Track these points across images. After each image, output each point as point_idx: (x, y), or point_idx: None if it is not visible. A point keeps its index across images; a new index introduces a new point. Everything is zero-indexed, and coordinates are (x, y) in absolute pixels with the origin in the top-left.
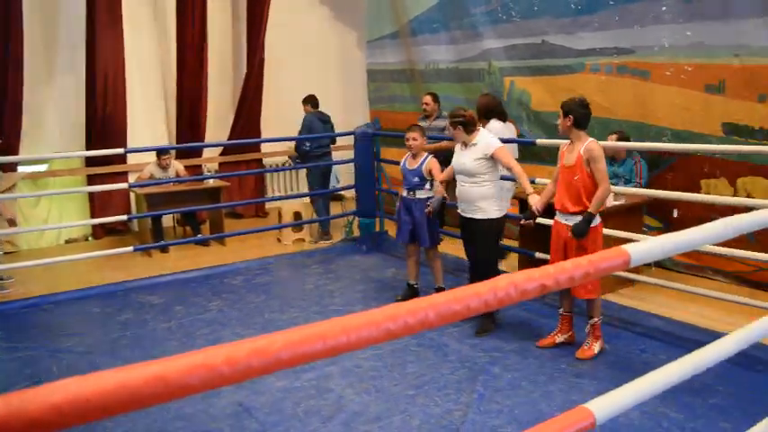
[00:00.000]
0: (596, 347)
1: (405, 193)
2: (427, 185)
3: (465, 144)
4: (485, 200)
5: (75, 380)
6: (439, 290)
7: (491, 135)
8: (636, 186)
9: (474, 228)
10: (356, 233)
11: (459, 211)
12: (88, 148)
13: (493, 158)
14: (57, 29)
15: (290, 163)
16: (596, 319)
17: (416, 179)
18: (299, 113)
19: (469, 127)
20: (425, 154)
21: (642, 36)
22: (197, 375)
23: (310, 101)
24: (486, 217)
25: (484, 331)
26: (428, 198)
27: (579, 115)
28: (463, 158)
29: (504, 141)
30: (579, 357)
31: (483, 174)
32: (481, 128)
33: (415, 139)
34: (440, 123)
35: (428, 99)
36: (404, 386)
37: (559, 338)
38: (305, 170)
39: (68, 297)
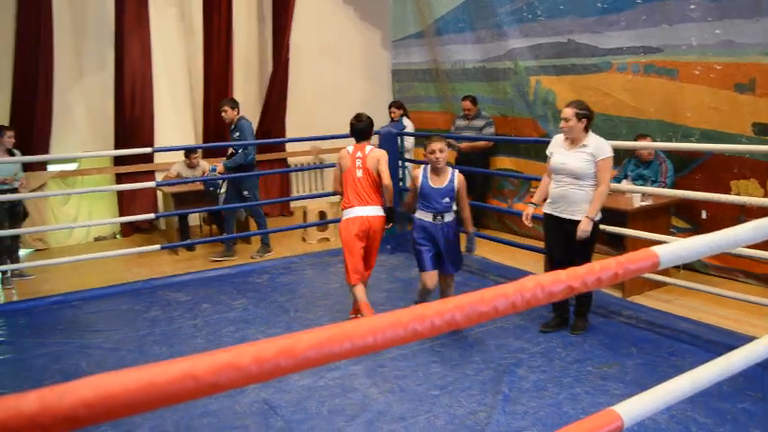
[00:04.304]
0: None
1: (429, 218)
2: (453, 206)
3: (573, 143)
4: (588, 203)
5: (105, 376)
6: None
7: (604, 140)
8: (660, 186)
9: (573, 231)
10: None
11: (550, 211)
12: (116, 147)
13: (596, 163)
14: (86, 29)
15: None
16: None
17: (447, 200)
18: (323, 113)
19: (589, 124)
20: (450, 169)
21: (670, 35)
22: (225, 374)
23: (237, 104)
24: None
25: (579, 329)
26: (454, 220)
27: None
28: (569, 159)
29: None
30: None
31: (590, 178)
32: (590, 131)
33: (441, 151)
34: (478, 123)
35: (468, 104)
36: (428, 386)
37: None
38: (225, 185)
39: (97, 294)
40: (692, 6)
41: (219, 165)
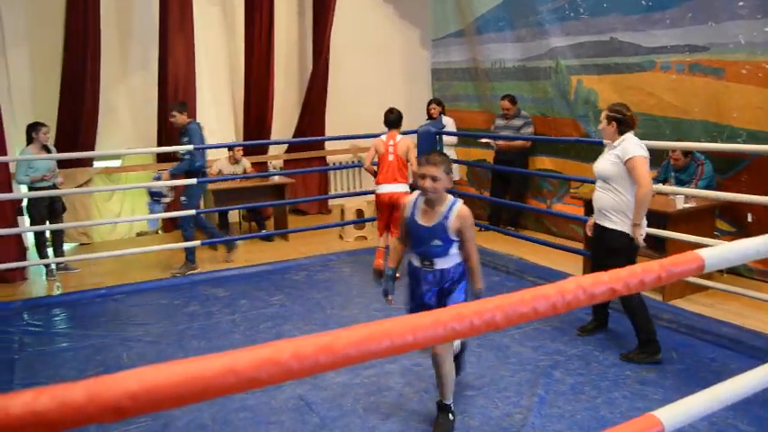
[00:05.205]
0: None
1: (417, 263)
2: (453, 249)
3: (611, 146)
4: (615, 210)
5: (149, 369)
6: (443, 408)
7: (635, 141)
8: (690, 187)
9: (603, 237)
10: None
11: (594, 219)
12: (159, 144)
13: (625, 166)
14: (131, 29)
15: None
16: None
17: (437, 243)
18: (363, 112)
19: (622, 127)
20: (450, 199)
21: (717, 33)
22: (265, 369)
23: (185, 108)
24: (615, 228)
25: (634, 357)
26: (457, 266)
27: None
28: (600, 161)
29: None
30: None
31: (616, 181)
32: (629, 133)
33: (435, 179)
34: (517, 122)
35: (507, 104)
36: (463, 386)
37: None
38: (170, 194)
39: (138, 288)
40: (741, 3)
41: (165, 172)
